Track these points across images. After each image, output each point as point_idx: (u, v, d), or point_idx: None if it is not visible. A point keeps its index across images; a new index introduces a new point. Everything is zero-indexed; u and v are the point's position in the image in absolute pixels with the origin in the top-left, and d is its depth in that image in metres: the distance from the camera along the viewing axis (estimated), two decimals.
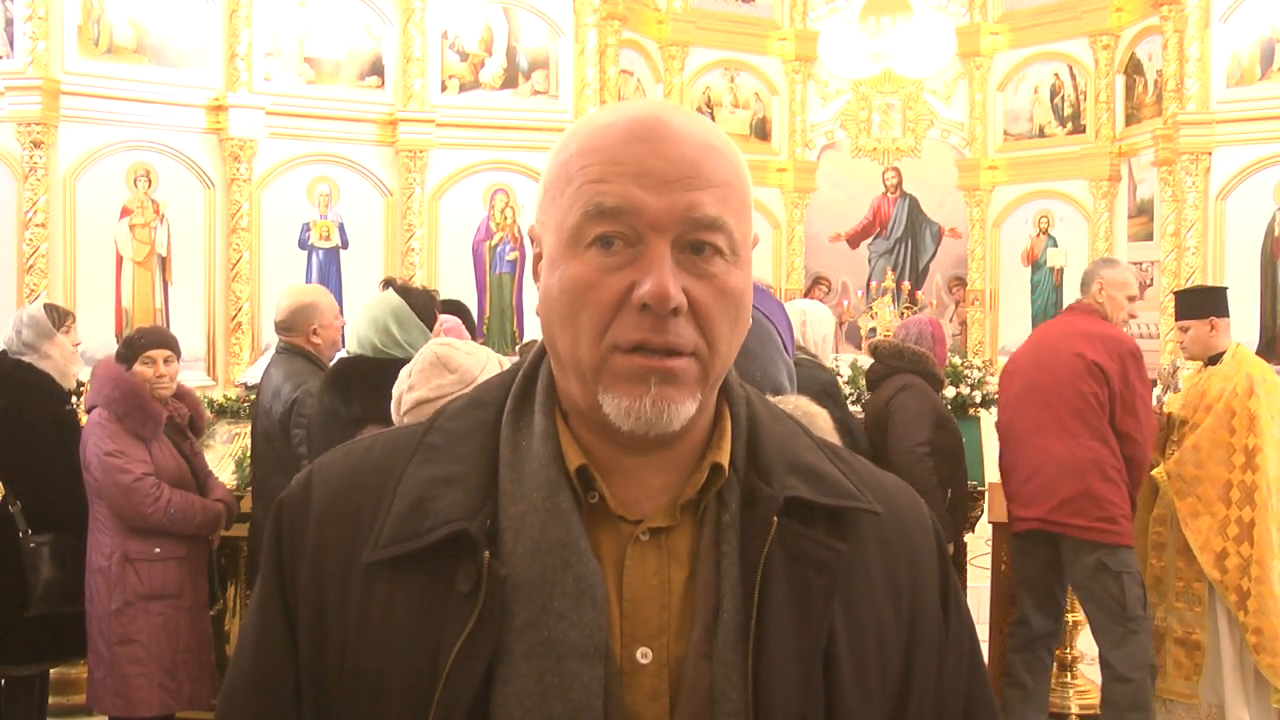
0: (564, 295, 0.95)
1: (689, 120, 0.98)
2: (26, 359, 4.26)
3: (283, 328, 4.22)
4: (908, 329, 4.92)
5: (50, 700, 4.94)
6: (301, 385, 3.80)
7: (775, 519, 0.98)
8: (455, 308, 4.74)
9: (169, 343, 4.22)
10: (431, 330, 3.38)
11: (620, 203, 0.93)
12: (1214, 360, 4.68)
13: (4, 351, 4.38)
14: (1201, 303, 4.78)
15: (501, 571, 0.94)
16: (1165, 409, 4.85)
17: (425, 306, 3.36)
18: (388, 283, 3.49)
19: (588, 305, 0.94)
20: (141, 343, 4.13)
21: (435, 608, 0.94)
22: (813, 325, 4.64)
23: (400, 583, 0.96)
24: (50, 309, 4.46)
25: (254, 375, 6.60)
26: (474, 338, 4.43)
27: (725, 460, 1.01)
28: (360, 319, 3.29)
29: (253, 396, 6.18)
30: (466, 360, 2.31)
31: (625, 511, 0.99)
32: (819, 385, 4.48)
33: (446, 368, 2.30)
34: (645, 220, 0.93)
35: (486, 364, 2.31)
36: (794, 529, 0.99)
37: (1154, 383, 4.66)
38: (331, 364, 3.47)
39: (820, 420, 1.83)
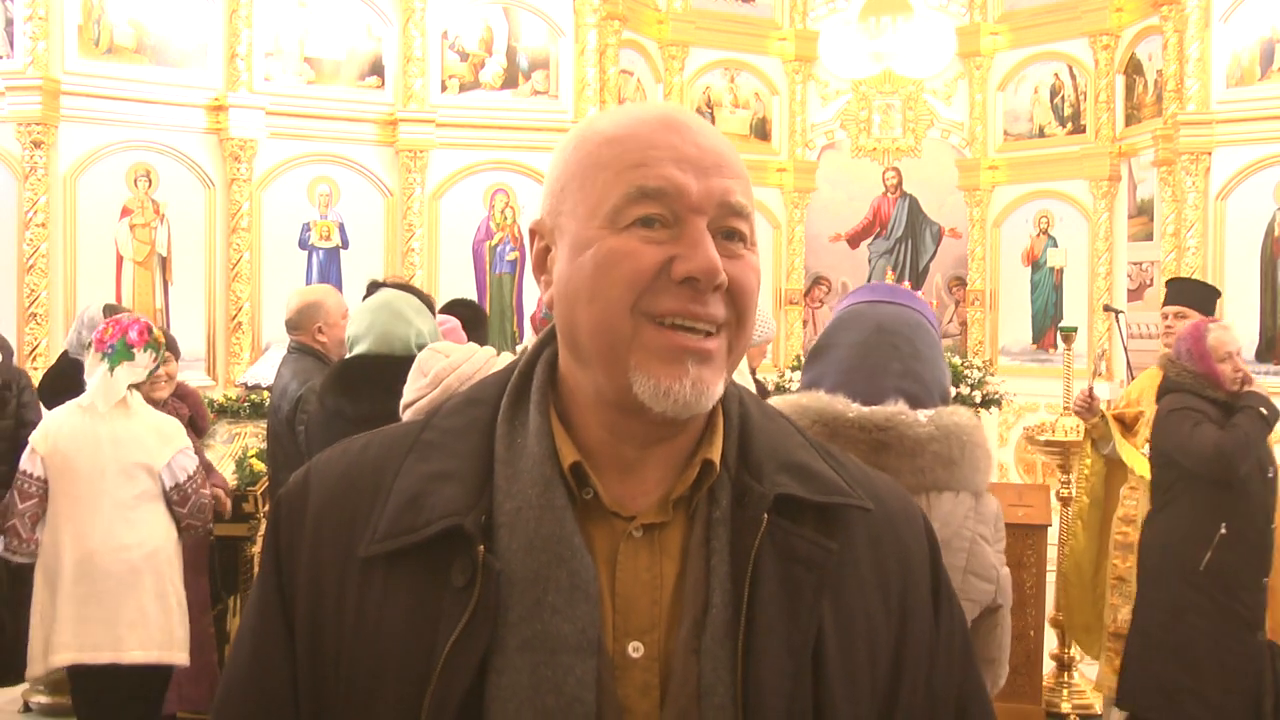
0: (598, 270, 0.95)
1: (702, 119, 1.03)
2: (83, 359, 4.38)
3: (290, 326, 4.31)
4: (1176, 342, 4.41)
5: (49, 700, 4.96)
6: (307, 383, 3.84)
7: (765, 516, 0.99)
8: (466, 307, 4.73)
9: (166, 344, 4.24)
10: None
11: (664, 185, 0.95)
12: None
13: (65, 352, 4.56)
14: (1210, 298, 4.73)
15: (496, 566, 0.94)
16: (1126, 407, 4.79)
17: (428, 301, 3.40)
18: (376, 284, 3.49)
19: (623, 273, 0.95)
20: None
21: (430, 602, 0.95)
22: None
23: (396, 577, 0.97)
24: (109, 311, 4.60)
25: (254, 375, 6.62)
26: (483, 337, 4.45)
27: (716, 457, 1.02)
28: (373, 316, 3.25)
29: (253, 397, 6.21)
30: (441, 363, 2.40)
31: (619, 508, 1.00)
32: None
33: (421, 371, 2.40)
34: (687, 202, 0.96)
35: (462, 365, 2.38)
36: (784, 526, 1.00)
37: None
38: (335, 365, 3.48)
39: (978, 434, 1.83)
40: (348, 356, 3.34)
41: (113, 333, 3.70)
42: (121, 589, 3.55)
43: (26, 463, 3.62)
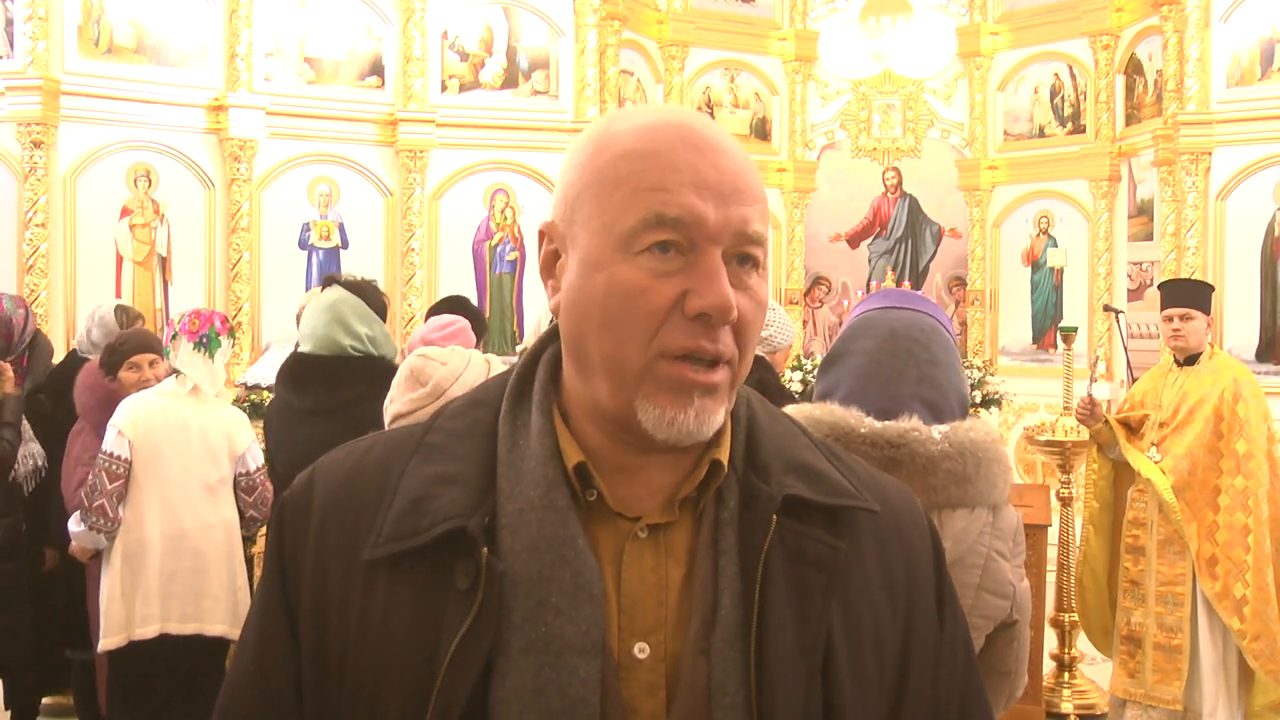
0: (611, 299, 0.94)
1: (724, 132, 1.01)
2: (92, 358, 4.43)
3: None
4: None
5: (49, 700, 4.97)
6: None
7: (774, 517, 0.99)
8: (461, 305, 4.70)
9: (152, 345, 4.30)
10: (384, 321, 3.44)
11: (683, 214, 0.94)
12: (1189, 361, 4.62)
13: (74, 350, 4.60)
14: (1208, 295, 4.73)
15: (499, 568, 0.94)
16: (1131, 410, 4.79)
17: (379, 302, 3.41)
18: (331, 280, 3.52)
19: (637, 310, 0.94)
20: (124, 349, 4.20)
21: (434, 604, 0.95)
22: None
23: (400, 580, 0.97)
24: (120, 311, 4.70)
25: (254, 375, 6.61)
26: (481, 333, 4.45)
27: (724, 458, 1.01)
28: (318, 317, 3.30)
29: (253, 397, 6.20)
30: (440, 371, 2.32)
31: (623, 509, 0.99)
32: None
33: (419, 381, 2.32)
34: (704, 232, 0.94)
35: (464, 370, 2.32)
36: (792, 527, 0.99)
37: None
38: (286, 359, 3.51)
39: (995, 449, 1.79)
40: (295, 352, 3.40)
41: (200, 323, 3.94)
42: (206, 565, 3.82)
43: (114, 445, 3.79)
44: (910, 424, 1.74)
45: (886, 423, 1.75)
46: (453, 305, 4.59)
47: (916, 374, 1.82)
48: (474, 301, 5.28)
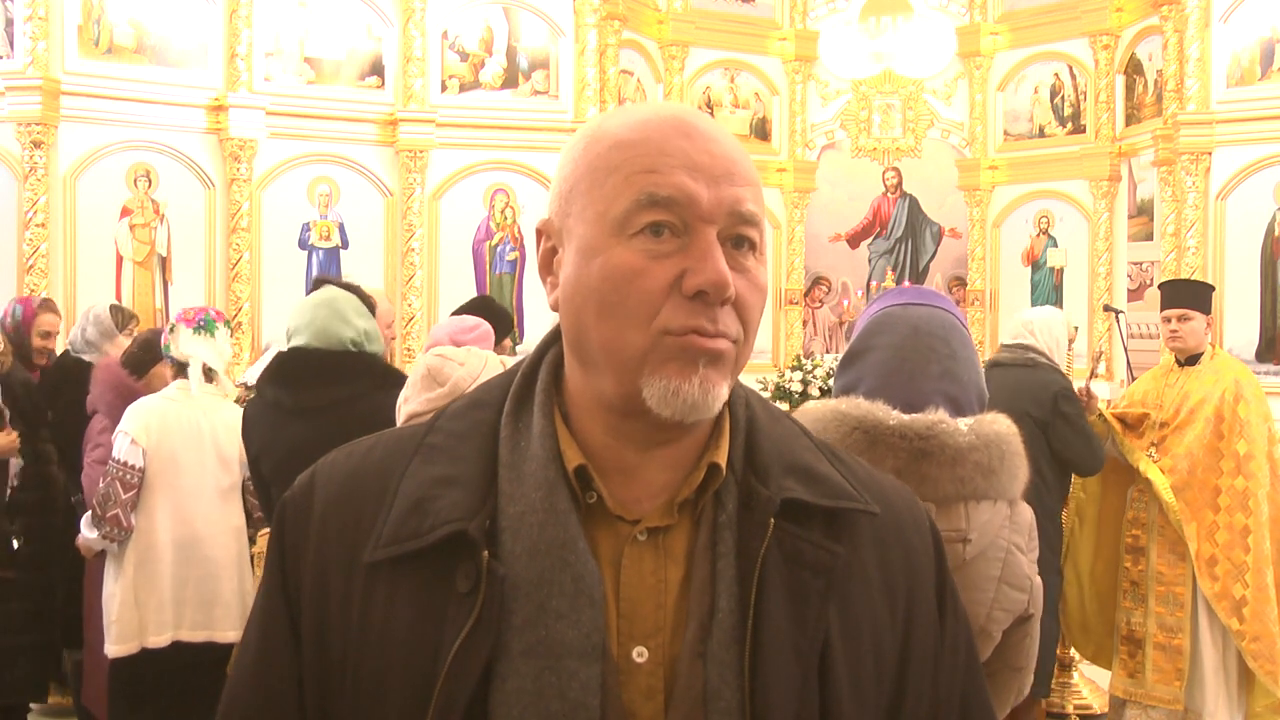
0: (607, 283, 0.94)
1: (715, 123, 1.01)
2: (87, 357, 4.42)
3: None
4: None
5: (49, 700, 4.96)
6: None
7: (772, 521, 0.98)
8: (487, 306, 4.63)
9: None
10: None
11: (674, 193, 0.94)
12: (1190, 361, 4.62)
13: (66, 350, 4.60)
14: (1208, 296, 4.73)
15: (500, 571, 0.94)
16: (1130, 408, 4.79)
17: (369, 304, 3.40)
18: (324, 280, 3.50)
19: (635, 292, 0.93)
20: (160, 345, 4.16)
21: (435, 607, 0.95)
22: (1042, 330, 4.58)
23: (400, 582, 0.96)
24: (115, 310, 4.71)
25: (254, 375, 6.60)
26: (505, 334, 4.43)
27: (723, 460, 1.01)
28: (314, 311, 3.24)
29: (253, 396, 6.20)
30: (458, 372, 2.31)
31: (623, 511, 0.99)
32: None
33: (436, 381, 2.30)
34: (697, 212, 0.94)
35: (481, 372, 2.31)
36: (790, 531, 0.99)
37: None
38: (274, 357, 3.46)
39: (1016, 442, 1.81)
40: (286, 348, 3.32)
41: (195, 313, 3.93)
42: (219, 572, 3.83)
43: (127, 454, 3.75)
44: (938, 416, 1.76)
45: (914, 415, 1.76)
46: (480, 306, 4.55)
47: (939, 369, 1.83)
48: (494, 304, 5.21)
